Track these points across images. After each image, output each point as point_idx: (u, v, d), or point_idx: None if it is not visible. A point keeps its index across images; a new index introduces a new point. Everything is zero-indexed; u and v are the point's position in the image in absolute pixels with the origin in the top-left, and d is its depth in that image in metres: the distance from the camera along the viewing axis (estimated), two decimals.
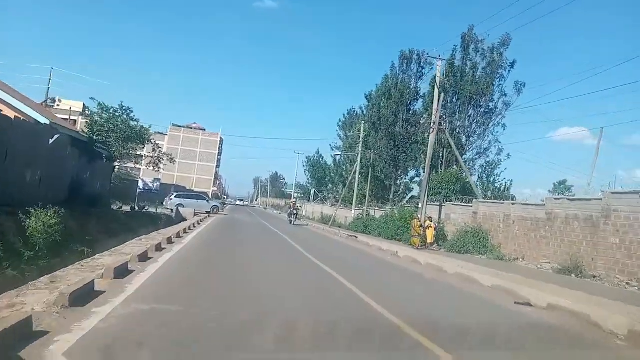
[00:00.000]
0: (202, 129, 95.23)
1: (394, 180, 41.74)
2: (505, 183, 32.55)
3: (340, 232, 28.81)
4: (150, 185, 32.02)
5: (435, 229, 19.57)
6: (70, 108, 52.75)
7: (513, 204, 17.99)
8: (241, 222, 30.01)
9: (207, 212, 35.00)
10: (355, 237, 25.89)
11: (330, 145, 56.27)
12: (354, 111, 53.89)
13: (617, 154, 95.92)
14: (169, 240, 13.81)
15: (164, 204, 36.73)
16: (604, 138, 58.05)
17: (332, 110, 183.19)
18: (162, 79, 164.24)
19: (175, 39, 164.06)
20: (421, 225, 19.71)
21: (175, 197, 37.75)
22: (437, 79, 23.80)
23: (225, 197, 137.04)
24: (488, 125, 29.97)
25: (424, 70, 41.06)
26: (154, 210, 29.66)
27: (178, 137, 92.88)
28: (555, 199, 15.32)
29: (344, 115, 54.83)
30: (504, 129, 29.63)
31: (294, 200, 31.91)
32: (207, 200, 42.27)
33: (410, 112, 41.36)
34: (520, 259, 16.39)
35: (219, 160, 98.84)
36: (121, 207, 26.51)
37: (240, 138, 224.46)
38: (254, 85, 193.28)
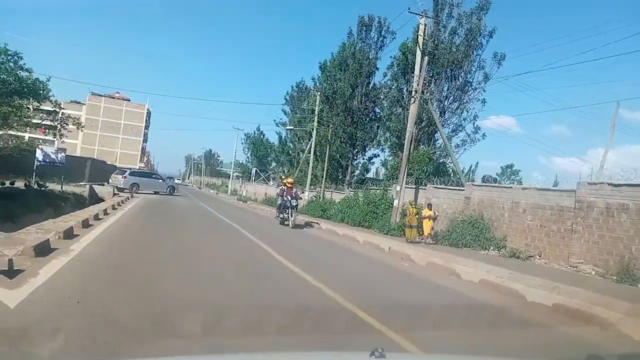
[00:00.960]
0: (126, 99, 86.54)
1: (351, 160, 38.61)
2: (471, 165, 30.48)
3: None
4: (53, 156, 26.11)
5: (434, 219, 16.46)
6: None
7: (524, 188, 15.22)
8: (177, 206, 25.67)
9: (157, 193, 34.48)
10: (317, 223, 22.38)
11: (275, 121, 52.05)
12: (303, 84, 49.99)
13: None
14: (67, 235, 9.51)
15: (109, 181, 34.23)
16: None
17: (274, 86, 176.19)
18: (81, 43, 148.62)
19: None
20: (417, 213, 16.52)
21: (129, 174, 35.27)
22: (420, 39, 20.56)
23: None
24: (463, 101, 27.39)
25: (385, 40, 37.94)
26: (58, 189, 24.43)
27: (98, 107, 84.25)
28: (591, 183, 12.62)
29: (292, 87, 50.77)
30: (484, 105, 27.19)
31: (290, 181, 22.01)
32: (164, 180, 39.40)
33: (370, 86, 38.19)
34: (537, 257, 13.70)
35: (146, 135, 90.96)
36: (4, 184, 21.02)
37: (170, 111, 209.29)
38: (186, 57, 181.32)
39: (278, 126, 51.72)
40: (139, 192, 34.43)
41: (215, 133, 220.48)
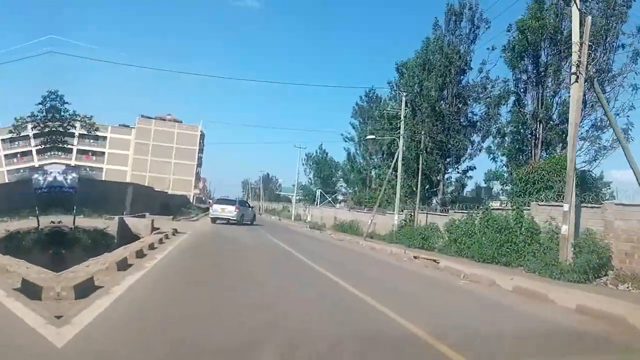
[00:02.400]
0: (178, 121, 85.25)
1: (442, 174, 32.93)
2: None
3: (406, 253, 19.71)
4: (60, 179, 19.32)
5: None
6: None
7: None
8: (239, 243, 19.59)
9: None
10: (434, 260, 16.91)
11: (343, 135, 47.40)
12: (374, 93, 45.20)
13: None
14: None
15: (211, 213, 32.52)
16: None
17: (334, 104, 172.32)
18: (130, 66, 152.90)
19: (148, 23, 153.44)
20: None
21: (240, 204, 34.08)
22: None
23: (210, 201, 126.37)
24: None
25: (477, 31, 32.43)
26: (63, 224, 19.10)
27: (148, 130, 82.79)
28: None
29: (360, 98, 46.10)
30: None
31: None
32: (251, 208, 38.10)
33: (461, 85, 32.65)
34: None
35: (200, 159, 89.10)
36: None
37: (224, 135, 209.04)
38: (241, 82, 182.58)
39: (346, 141, 47.07)
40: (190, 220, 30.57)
41: (273, 155, 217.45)
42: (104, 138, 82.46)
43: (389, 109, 35.45)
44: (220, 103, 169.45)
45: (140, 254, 11.70)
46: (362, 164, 44.97)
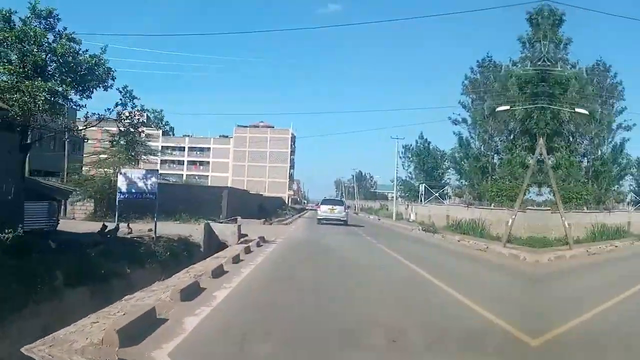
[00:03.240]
0: (270, 127, 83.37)
1: None
2: None
3: None
4: (141, 184, 15.63)
5: None
6: None
7: None
8: (342, 256, 14.70)
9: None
10: None
11: (451, 118, 38.94)
12: (490, 61, 36.29)
13: None
14: None
15: (318, 215, 32.17)
16: None
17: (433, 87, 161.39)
18: (223, 82, 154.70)
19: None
20: None
21: (323, 204, 32.91)
22: None
23: (305, 202, 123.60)
24: None
25: None
26: (147, 232, 15.87)
27: (244, 138, 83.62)
28: None
29: (471, 70, 37.35)
30: None
31: None
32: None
33: None
34: None
35: (292, 160, 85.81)
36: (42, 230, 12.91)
37: (314, 135, 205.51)
38: (331, 80, 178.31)
39: (456, 124, 38.54)
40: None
41: (367, 152, 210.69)
42: (208, 149, 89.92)
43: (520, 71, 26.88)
44: (311, 103, 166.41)
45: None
46: (480, 150, 36.29)
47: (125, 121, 15.87)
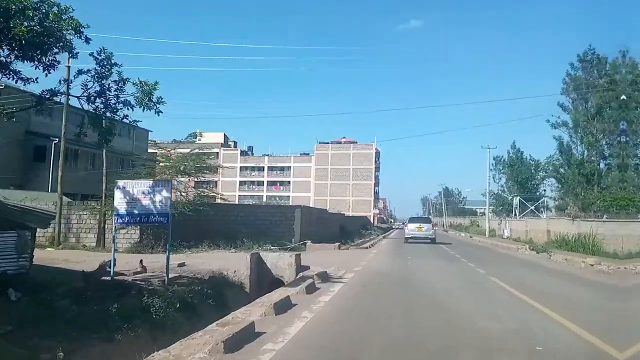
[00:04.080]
0: (352, 142, 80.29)
1: None
2: None
3: None
4: (146, 202, 10.28)
5: None
6: None
7: None
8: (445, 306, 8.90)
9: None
10: None
11: (549, 121, 33.96)
12: (593, 54, 31.12)
13: None
14: None
15: (405, 234, 31.01)
16: None
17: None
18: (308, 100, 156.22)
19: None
20: None
21: (410, 222, 32.17)
22: None
23: (392, 220, 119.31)
24: None
25: None
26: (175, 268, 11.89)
27: (326, 155, 79.96)
28: None
29: (572, 66, 32.30)
30: None
31: None
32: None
33: None
34: None
35: (377, 177, 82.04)
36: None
37: (400, 150, 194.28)
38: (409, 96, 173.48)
39: (555, 127, 33.50)
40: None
41: (455, 166, 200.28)
42: (289, 168, 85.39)
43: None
44: (395, 120, 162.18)
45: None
46: (584, 155, 31.02)
47: (97, 100, 8.88)
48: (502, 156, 52.33)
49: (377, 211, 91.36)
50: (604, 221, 24.37)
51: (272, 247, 18.02)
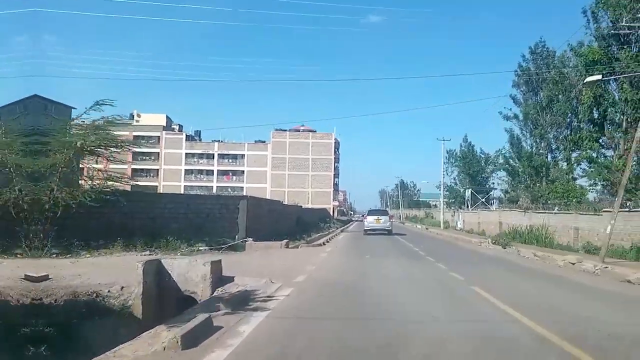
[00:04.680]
0: (311, 131, 77.86)
1: None
2: None
3: None
4: None
5: None
6: None
7: None
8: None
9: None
10: None
11: (502, 113, 33.58)
12: (543, 47, 30.68)
13: None
14: None
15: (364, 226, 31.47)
16: None
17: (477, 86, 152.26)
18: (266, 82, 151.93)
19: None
20: None
21: (369, 215, 32.67)
22: None
23: (352, 212, 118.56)
24: None
25: None
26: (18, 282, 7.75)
27: (283, 143, 76.49)
28: None
29: (523, 58, 31.83)
30: None
31: None
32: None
33: None
34: None
35: (337, 169, 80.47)
36: None
37: (359, 142, 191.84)
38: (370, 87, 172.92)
39: (507, 119, 33.06)
40: None
41: (411, 160, 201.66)
42: (242, 156, 78.85)
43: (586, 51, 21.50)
44: (354, 110, 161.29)
45: None
46: (532, 148, 30.74)
47: None
48: (455, 150, 52.33)
49: (337, 203, 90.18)
50: (555, 213, 24.03)
51: (201, 248, 14.97)
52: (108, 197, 12.85)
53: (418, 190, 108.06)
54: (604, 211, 19.41)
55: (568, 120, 26.48)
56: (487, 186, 48.25)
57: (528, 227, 26.15)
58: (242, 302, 7.44)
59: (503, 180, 39.94)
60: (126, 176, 17.02)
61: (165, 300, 8.57)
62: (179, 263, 9.07)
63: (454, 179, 53.43)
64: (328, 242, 24.46)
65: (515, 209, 29.88)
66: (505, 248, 20.55)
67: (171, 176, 75.50)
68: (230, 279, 9.19)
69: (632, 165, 18.45)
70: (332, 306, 7.55)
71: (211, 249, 14.94)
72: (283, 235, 21.62)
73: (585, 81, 15.71)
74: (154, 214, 17.33)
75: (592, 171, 21.63)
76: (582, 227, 20.95)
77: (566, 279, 11.54)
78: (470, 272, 11.71)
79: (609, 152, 21.45)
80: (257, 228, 20.79)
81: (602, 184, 21.91)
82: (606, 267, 11.95)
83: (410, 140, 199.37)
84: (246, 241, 17.68)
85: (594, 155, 21.10)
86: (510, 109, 33.17)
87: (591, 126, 21.90)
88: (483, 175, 48.55)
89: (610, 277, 11.54)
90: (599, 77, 16.10)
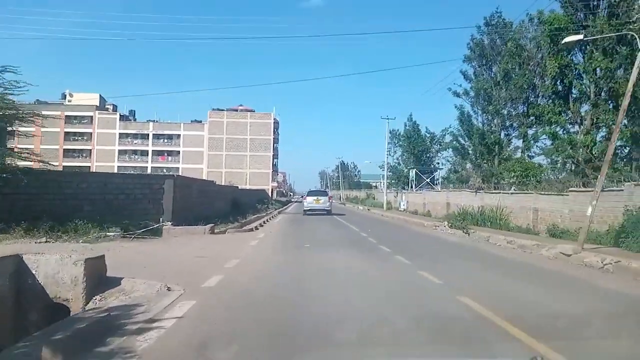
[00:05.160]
0: (250, 110, 73.51)
1: None
2: None
3: None
4: None
5: None
6: None
7: None
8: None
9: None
10: None
11: (451, 89, 31.59)
12: (499, 18, 28.62)
13: None
14: None
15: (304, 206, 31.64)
16: None
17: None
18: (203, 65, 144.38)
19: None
20: None
21: (308, 196, 33.14)
22: None
23: (292, 193, 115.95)
24: None
25: None
26: None
27: (220, 123, 71.92)
28: None
29: (478, 29, 29.59)
30: None
31: None
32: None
33: None
34: None
35: (276, 149, 76.83)
36: None
37: (300, 124, 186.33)
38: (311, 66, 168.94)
39: (458, 96, 31.09)
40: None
41: (351, 141, 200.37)
42: (178, 136, 74.77)
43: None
44: (294, 93, 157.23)
45: None
46: (485, 125, 29.00)
47: None
48: (398, 130, 50.48)
49: (276, 184, 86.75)
50: (512, 193, 22.28)
51: (110, 234, 12.15)
52: (6, 175, 11.42)
53: (358, 171, 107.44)
54: (570, 191, 17.64)
55: (524, 95, 24.75)
56: (432, 166, 46.92)
57: (480, 208, 24.44)
58: (107, 331, 4.36)
59: (448, 160, 38.45)
60: (34, 154, 14.60)
61: (28, 308, 5.79)
62: (47, 260, 6.01)
63: (397, 159, 51.76)
64: (262, 225, 21.19)
65: (465, 189, 28.12)
66: (467, 233, 17.78)
67: (105, 157, 71.63)
68: (117, 282, 6.22)
69: (596, 140, 16.74)
70: (248, 343, 4.31)
71: (124, 236, 12.56)
72: (215, 218, 18.68)
73: (564, 41, 13.29)
74: (64, 195, 14.61)
75: (553, 148, 19.85)
76: (543, 208, 19.15)
77: (584, 283, 8.31)
78: (445, 271, 8.60)
79: (574, 129, 19.77)
80: (186, 210, 17.82)
81: (564, 162, 20.30)
82: (618, 262, 9.45)
83: (352, 121, 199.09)
84: (164, 226, 14.72)
85: (558, 130, 19.30)
86: (461, 85, 31.28)
87: (554, 100, 20.01)
88: (428, 155, 47.12)
89: (618, 272, 9.06)
90: (580, 36, 13.78)
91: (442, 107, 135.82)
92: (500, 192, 23.35)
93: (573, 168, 19.68)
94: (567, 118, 19.15)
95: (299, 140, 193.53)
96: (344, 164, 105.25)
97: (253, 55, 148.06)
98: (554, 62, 18.81)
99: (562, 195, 18.05)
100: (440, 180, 42.99)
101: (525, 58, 24.59)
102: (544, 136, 20.88)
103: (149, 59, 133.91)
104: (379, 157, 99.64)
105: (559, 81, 19.43)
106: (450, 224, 18.84)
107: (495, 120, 27.81)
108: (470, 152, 30.68)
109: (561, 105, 19.17)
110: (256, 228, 18.85)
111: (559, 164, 20.58)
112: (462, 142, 31.49)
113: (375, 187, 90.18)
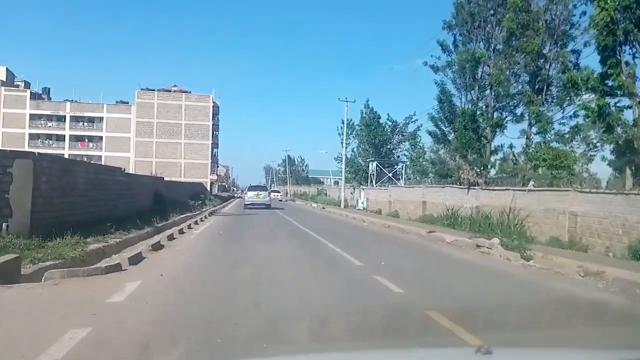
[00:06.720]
0: (185, 92, 63.55)
1: None
2: None
3: None
4: None
5: None
6: None
7: None
8: None
9: None
10: None
11: (427, 63, 25.13)
12: None
13: None
14: None
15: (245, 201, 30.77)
16: None
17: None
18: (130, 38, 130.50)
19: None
20: None
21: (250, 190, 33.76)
22: None
23: (235, 188, 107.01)
24: None
25: None
26: None
27: (151, 105, 61.34)
28: None
29: None
30: None
31: None
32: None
33: None
34: None
35: (216, 137, 67.45)
36: None
37: (243, 113, 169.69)
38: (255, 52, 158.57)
39: (437, 71, 24.64)
40: None
41: (301, 133, 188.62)
42: (100, 119, 63.09)
43: None
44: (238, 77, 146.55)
45: None
46: (474, 106, 22.70)
47: None
48: (352, 120, 43.81)
49: (217, 177, 77.40)
50: (528, 190, 16.08)
51: None
52: None
53: (306, 166, 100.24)
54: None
55: (534, 65, 18.59)
56: (392, 159, 40.75)
57: (476, 210, 18.24)
58: None
59: (419, 150, 32.15)
60: None
61: None
62: None
63: (353, 150, 45.10)
64: (181, 233, 13.61)
65: (451, 185, 21.78)
66: (530, 261, 9.64)
67: (13, 141, 58.14)
68: None
69: None
70: None
71: None
72: (121, 219, 12.64)
73: None
74: None
75: (597, 124, 13.67)
76: (586, 212, 12.92)
77: None
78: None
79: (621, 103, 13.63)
80: (62, 210, 11.14)
81: (612, 148, 14.29)
82: None
83: (302, 111, 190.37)
84: None
85: (604, 103, 13.11)
86: (439, 58, 24.88)
87: (604, 61, 13.69)
88: (389, 147, 40.85)
89: None
90: None
91: (403, 90, 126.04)
92: (508, 189, 17.12)
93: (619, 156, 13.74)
94: (616, 86, 13.12)
95: (243, 132, 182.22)
96: (291, 158, 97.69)
97: (192, 30, 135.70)
98: (606, 2, 12.63)
99: (625, 194, 11.89)
100: (403, 175, 36.87)
101: (535, 15, 18.53)
102: (581, 111, 14.60)
103: (68, 27, 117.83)
104: (331, 150, 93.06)
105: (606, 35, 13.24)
106: (502, 244, 10.84)
107: (488, 99, 21.64)
108: (450, 139, 24.37)
109: (612, 66, 13.09)
110: (172, 238, 11.82)
111: (601, 152, 14.60)
112: (443, 127, 25.11)
113: (323, 182, 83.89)
